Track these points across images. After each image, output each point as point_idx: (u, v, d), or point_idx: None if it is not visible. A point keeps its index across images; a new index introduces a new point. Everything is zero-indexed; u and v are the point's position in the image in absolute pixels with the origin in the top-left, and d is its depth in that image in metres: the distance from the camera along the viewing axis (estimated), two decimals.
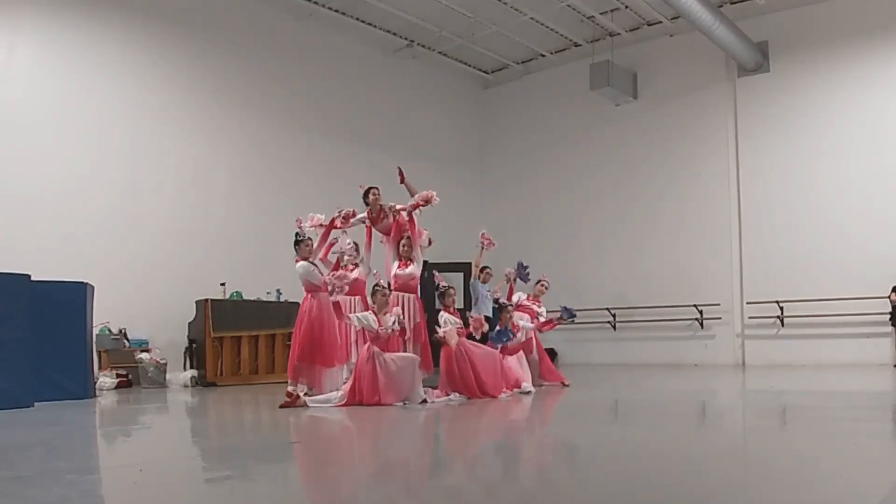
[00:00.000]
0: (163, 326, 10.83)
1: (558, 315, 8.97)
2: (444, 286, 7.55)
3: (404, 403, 6.70)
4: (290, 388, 7.01)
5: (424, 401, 6.85)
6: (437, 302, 7.60)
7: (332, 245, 7.76)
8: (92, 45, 10.82)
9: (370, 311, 6.96)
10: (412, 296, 7.51)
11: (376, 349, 6.69)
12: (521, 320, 8.50)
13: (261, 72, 12.75)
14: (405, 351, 7.13)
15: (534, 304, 9.29)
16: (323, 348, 7.19)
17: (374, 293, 7.06)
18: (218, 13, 12.39)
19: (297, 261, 7.40)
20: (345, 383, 6.92)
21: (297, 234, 7.46)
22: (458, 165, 16.40)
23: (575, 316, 8.89)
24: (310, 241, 7.45)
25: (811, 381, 9.42)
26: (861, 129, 12.28)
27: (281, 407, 6.60)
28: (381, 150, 14.44)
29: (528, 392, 7.78)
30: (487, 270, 9.46)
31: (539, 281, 9.52)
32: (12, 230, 9.50)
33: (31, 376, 7.05)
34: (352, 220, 7.80)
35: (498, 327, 8.05)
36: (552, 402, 7.49)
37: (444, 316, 7.33)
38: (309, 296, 7.37)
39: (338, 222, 7.70)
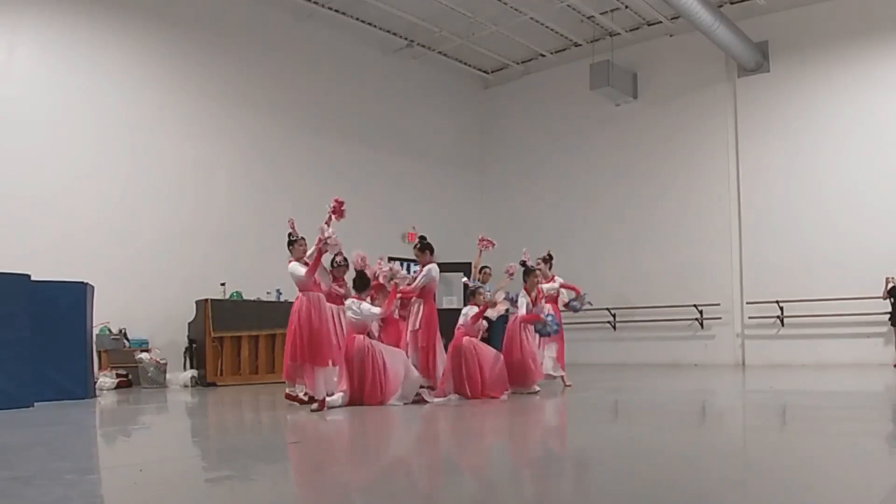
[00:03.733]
0: (163, 326, 10.83)
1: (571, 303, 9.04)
2: (473, 286, 7.88)
3: (403, 402, 6.73)
4: (288, 391, 7.02)
5: (421, 397, 6.87)
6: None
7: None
8: (92, 44, 10.82)
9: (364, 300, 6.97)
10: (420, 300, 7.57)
11: (367, 338, 6.76)
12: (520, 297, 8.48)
13: (261, 72, 12.75)
14: (407, 356, 7.21)
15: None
16: (313, 348, 7.11)
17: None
18: (218, 13, 12.38)
19: (290, 261, 7.35)
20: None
21: (290, 234, 7.39)
22: (458, 165, 16.40)
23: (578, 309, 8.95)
24: (303, 241, 7.37)
25: (811, 381, 9.42)
26: (861, 129, 12.28)
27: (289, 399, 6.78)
28: (381, 151, 14.47)
29: (535, 392, 7.81)
30: (486, 270, 9.46)
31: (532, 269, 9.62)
32: (12, 230, 9.50)
33: (31, 376, 7.05)
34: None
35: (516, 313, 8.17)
36: (552, 402, 7.49)
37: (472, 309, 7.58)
38: (301, 295, 7.34)
39: (324, 248, 7.45)
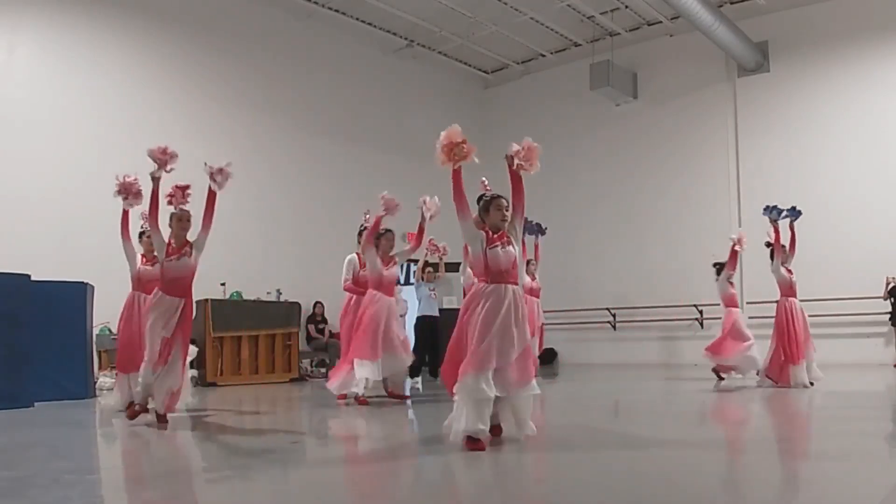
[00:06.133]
0: None
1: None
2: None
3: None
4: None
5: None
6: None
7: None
8: (92, 44, 10.82)
9: None
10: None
11: None
12: None
13: (261, 72, 12.75)
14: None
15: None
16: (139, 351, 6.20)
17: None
18: (218, 13, 12.39)
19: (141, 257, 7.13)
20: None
21: (141, 226, 7.20)
22: None
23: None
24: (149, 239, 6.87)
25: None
26: (861, 129, 12.29)
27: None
28: (380, 150, 14.45)
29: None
30: (430, 269, 9.45)
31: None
32: (12, 230, 9.50)
33: (31, 376, 7.05)
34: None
35: None
36: (550, 401, 7.49)
37: None
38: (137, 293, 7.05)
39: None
